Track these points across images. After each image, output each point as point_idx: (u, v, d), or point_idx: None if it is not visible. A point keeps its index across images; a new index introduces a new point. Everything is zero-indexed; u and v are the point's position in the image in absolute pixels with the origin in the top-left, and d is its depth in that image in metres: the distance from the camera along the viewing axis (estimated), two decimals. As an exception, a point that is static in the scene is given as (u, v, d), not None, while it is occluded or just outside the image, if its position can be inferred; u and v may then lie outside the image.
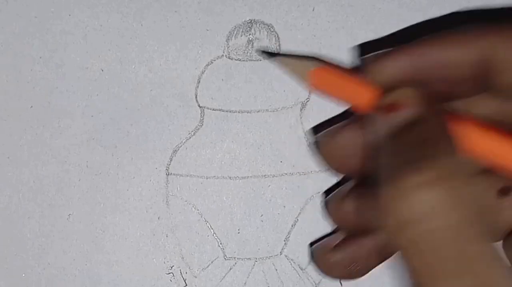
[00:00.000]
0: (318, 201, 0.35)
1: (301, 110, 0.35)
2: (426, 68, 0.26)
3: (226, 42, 0.35)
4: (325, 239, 0.32)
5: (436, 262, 0.22)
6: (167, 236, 0.35)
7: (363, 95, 0.28)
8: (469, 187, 0.23)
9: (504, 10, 0.34)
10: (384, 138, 0.25)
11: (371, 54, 0.28)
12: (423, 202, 0.22)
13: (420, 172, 0.22)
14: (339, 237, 0.31)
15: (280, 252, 0.35)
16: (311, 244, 0.35)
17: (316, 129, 0.34)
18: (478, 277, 0.22)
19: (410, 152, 0.24)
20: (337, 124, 0.29)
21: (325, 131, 0.30)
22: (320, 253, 0.31)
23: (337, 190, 0.30)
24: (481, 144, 0.26)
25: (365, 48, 0.32)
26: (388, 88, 0.27)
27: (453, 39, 0.26)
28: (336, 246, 0.30)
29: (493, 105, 0.28)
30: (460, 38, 0.26)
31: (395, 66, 0.27)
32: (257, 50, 0.33)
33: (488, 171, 0.28)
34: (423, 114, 0.25)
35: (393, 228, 0.23)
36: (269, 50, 0.33)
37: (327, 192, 0.35)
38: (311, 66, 0.30)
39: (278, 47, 0.35)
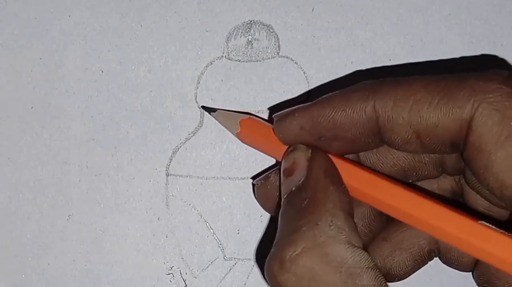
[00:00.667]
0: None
1: (300, 110, 0.35)
2: (321, 129, 0.28)
3: (225, 43, 0.35)
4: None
5: None
6: (167, 237, 0.35)
7: (279, 150, 0.30)
8: (342, 249, 0.25)
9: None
10: (282, 202, 0.28)
11: (280, 112, 0.30)
12: (298, 272, 0.25)
13: (295, 244, 0.25)
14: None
15: (280, 253, 0.35)
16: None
17: (258, 175, 0.35)
18: None
19: (293, 221, 0.26)
20: (268, 171, 0.31)
21: (259, 177, 0.32)
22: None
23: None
24: (371, 194, 0.28)
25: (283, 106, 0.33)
26: (290, 148, 0.29)
27: (340, 102, 0.28)
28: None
29: (399, 154, 0.30)
30: (346, 101, 0.28)
31: (295, 126, 0.29)
32: (203, 107, 0.35)
33: None
34: (307, 179, 0.27)
35: None
36: (210, 108, 0.35)
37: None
38: (241, 119, 0.32)
39: (277, 48, 0.35)
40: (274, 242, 0.26)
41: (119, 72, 0.35)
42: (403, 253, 0.31)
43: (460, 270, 0.32)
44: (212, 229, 0.35)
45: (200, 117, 0.35)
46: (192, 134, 0.35)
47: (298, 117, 0.28)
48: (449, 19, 0.36)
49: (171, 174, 0.35)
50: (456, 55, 0.36)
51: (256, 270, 0.35)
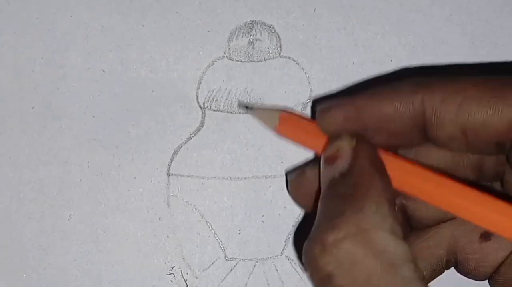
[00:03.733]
0: (319, 202, 0.35)
1: (301, 111, 0.35)
2: (366, 120, 0.28)
3: (227, 43, 0.35)
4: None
5: None
6: (168, 237, 0.35)
7: (318, 142, 0.30)
8: (385, 237, 0.25)
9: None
10: (323, 188, 0.28)
11: (323, 104, 0.30)
12: (339, 256, 0.24)
13: (338, 228, 0.25)
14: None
15: (281, 253, 0.35)
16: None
17: (292, 170, 0.35)
18: None
19: (336, 206, 0.26)
20: (303, 165, 0.31)
21: (293, 171, 0.32)
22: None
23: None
24: (419, 185, 0.28)
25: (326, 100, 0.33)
26: (333, 137, 0.29)
27: (388, 95, 0.28)
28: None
29: (437, 154, 0.30)
30: (394, 94, 0.28)
31: (339, 117, 0.29)
32: (239, 103, 0.35)
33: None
34: (352, 166, 0.27)
35: (317, 282, 0.25)
36: (247, 104, 0.35)
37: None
38: (280, 113, 0.32)
39: (279, 48, 0.35)
40: (314, 226, 0.26)
41: (121, 72, 0.35)
42: (422, 263, 0.31)
43: (476, 279, 0.32)
44: (213, 229, 0.35)
45: (202, 117, 0.35)
46: (193, 134, 0.35)
47: (344, 108, 0.28)
48: (450, 19, 0.36)
49: (172, 174, 0.35)
50: (457, 55, 0.36)
51: (257, 270, 0.35)
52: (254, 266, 0.35)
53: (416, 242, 0.31)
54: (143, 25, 0.35)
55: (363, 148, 0.28)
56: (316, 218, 0.26)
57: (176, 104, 0.35)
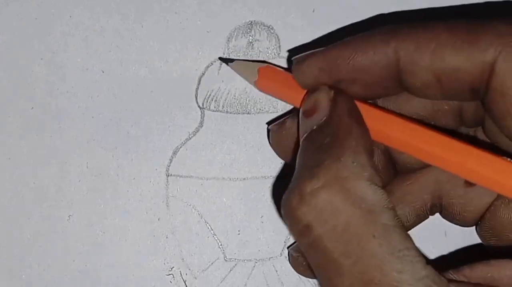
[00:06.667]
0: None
1: (301, 111, 0.35)
2: (341, 71, 0.28)
3: (226, 44, 0.35)
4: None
5: (336, 258, 0.24)
6: (167, 237, 0.35)
7: (297, 96, 0.30)
8: (363, 186, 0.25)
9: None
10: (301, 140, 0.28)
11: (299, 55, 0.29)
12: (318, 205, 0.24)
13: (317, 177, 0.25)
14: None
15: (280, 253, 0.35)
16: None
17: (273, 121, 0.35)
18: (374, 269, 0.23)
19: (314, 156, 0.26)
20: (284, 117, 0.31)
21: (275, 123, 0.32)
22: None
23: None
24: (398, 136, 0.28)
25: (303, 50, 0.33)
26: (311, 89, 0.29)
27: (361, 44, 0.27)
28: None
29: (417, 103, 0.29)
30: (367, 43, 0.27)
31: (314, 68, 0.28)
32: (220, 58, 0.35)
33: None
34: (330, 117, 0.27)
35: (296, 233, 0.25)
36: (227, 58, 0.35)
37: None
38: (259, 67, 0.32)
39: (278, 48, 0.35)
40: (293, 177, 0.26)
41: (120, 72, 0.35)
42: (406, 207, 0.31)
43: (462, 225, 0.31)
44: (212, 229, 0.35)
45: (201, 118, 0.35)
46: (192, 135, 0.35)
47: (317, 58, 0.28)
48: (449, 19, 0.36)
49: (171, 175, 0.35)
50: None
51: (257, 271, 0.35)
52: (254, 266, 0.35)
53: (400, 186, 0.31)
54: (142, 26, 0.35)
55: (340, 99, 0.28)
56: (295, 170, 0.26)
57: (175, 104, 0.35)
